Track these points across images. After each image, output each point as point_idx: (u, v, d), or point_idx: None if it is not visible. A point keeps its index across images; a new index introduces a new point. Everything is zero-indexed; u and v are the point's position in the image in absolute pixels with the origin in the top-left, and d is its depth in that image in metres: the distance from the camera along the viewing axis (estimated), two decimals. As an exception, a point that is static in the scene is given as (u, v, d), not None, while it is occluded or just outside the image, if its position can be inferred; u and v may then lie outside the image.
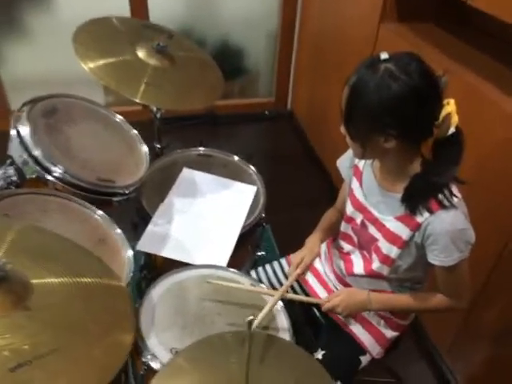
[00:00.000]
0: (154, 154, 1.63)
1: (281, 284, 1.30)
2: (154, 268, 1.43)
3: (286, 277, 1.31)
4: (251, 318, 0.75)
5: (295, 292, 1.31)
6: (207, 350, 0.84)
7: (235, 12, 2.71)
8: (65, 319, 0.65)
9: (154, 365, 0.94)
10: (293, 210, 2.24)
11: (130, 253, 1.09)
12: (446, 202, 0.92)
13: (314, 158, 2.67)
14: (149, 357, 0.94)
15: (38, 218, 1.01)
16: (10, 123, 1.15)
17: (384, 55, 0.87)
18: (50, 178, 1.09)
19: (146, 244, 1.28)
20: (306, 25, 2.71)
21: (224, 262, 1.26)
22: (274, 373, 0.80)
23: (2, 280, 0.63)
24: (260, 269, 1.37)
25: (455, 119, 0.89)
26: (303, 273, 1.24)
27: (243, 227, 1.37)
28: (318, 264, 1.29)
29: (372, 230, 1.07)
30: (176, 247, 1.29)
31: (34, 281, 0.67)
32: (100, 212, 1.13)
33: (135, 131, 1.44)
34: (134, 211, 1.38)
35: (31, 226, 0.85)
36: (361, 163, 1.11)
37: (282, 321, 1.10)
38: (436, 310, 1.08)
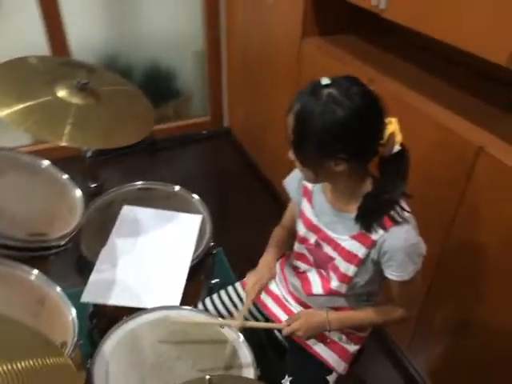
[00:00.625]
0: (89, 195, 1.55)
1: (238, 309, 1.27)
2: (103, 316, 1.35)
3: (242, 301, 1.28)
4: (208, 377, 0.72)
5: (255, 318, 1.29)
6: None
7: (160, 35, 2.68)
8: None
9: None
10: (243, 231, 2.21)
11: (74, 313, 1.01)
12: (398, 218, 0.93)
13: (256, 175, 2.67)
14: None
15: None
16: None
17: (325, 80, 0.87)
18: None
19: (90, 295, 1.21)
20: (232, 43, 2.72)
21: (177, 301, 1.21)
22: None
23: None
24: (215, 296, 1.33)
25: (399, 138, 0.91)
26: (259, 293, 1.21)
27: (193, 259, 1.33)
28: (273, 286, 1.27)
29: (327, 249, 1.07)
30: (123, 293, 1.23)
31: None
32: (35, 271, 1.04)
33: (65, 175, 1.35)
34: (75, 261, 1.30)
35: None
36: (309, 184, 1.10)
37: (245, 355, 1.06)
38: (392, 321, 1.10)
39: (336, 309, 1.13)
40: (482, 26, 1.07)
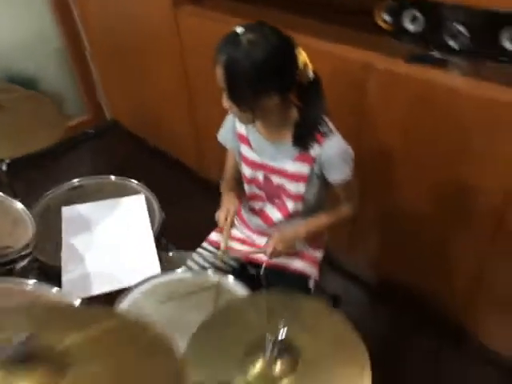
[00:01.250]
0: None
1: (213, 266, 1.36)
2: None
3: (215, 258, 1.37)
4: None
5: (232, 267, 1.40)
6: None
7: (8, 42, 2.46)
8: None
9: None
10: (170, 208, 2.25)
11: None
12: (327, 132, 1.12)
13: (160, 155, 2.68)
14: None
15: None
16: None
17: (240, 29, 0.99)
18: None
19: (70, 294, 1.20)
20: (92, 33, 2.65)
21: (157, 268, 1.27)
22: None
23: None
24: (193, 256, 1.39)
25: (310, 65, 1.07)
26: (232, 225, 1.30)
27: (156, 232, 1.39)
28: (237, 233, 1.39)
29: (276, 179, 1.22)
30: (102, 281, 1.24)
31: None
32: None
33: (-1, 193, 1.28)
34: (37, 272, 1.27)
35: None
36: (243, 130, 1.23)
37: (242, 291, 1.18)
38: (342, 219, 1.30)
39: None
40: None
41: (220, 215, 1.30)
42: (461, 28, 1.33)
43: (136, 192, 1.54)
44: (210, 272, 1.26)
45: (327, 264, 1.95)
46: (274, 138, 1.18)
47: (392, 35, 1.52)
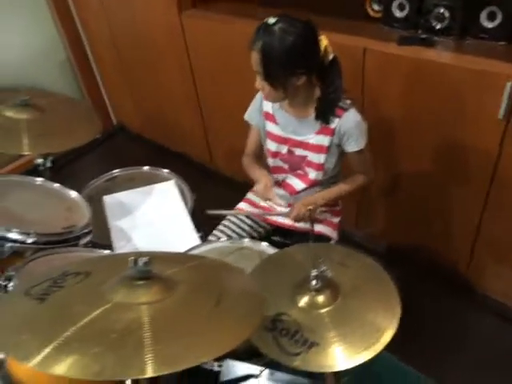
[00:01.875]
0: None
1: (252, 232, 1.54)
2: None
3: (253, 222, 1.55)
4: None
5: (259, 232, 1.58)
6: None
7: (17, 58, 2.61)
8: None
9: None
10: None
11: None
12: (345, 106, 1.30)
13: (170, 154, 2.83)
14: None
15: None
16: None
17: (272, 20, 1.18)
18: (27, 245, 1.10)
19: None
20: (96, 42, 2.80)
21: (197, 240, 1.43)
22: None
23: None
24: (223, 227, 1.55)
25: (330, 49, 1.26)
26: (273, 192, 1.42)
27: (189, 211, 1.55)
28: (263, 203, 1.56)
29: (299, 151, 1.40)
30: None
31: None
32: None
33: (57, 184, 1.46)
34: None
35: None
36: (269, 108, 1.40)
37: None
38: (359, 186, 1.45)
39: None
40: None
41: (259, 186, 1.40)
42: (444, 11, 1.54)
43: (166, 179, 1.71)
44: (246, 239, 1.42)
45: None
46: (299, 114, 1.36)
47: (383, 22, 1.73)
